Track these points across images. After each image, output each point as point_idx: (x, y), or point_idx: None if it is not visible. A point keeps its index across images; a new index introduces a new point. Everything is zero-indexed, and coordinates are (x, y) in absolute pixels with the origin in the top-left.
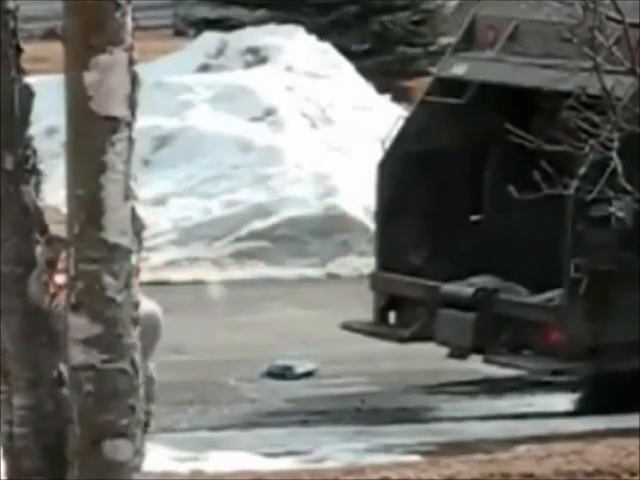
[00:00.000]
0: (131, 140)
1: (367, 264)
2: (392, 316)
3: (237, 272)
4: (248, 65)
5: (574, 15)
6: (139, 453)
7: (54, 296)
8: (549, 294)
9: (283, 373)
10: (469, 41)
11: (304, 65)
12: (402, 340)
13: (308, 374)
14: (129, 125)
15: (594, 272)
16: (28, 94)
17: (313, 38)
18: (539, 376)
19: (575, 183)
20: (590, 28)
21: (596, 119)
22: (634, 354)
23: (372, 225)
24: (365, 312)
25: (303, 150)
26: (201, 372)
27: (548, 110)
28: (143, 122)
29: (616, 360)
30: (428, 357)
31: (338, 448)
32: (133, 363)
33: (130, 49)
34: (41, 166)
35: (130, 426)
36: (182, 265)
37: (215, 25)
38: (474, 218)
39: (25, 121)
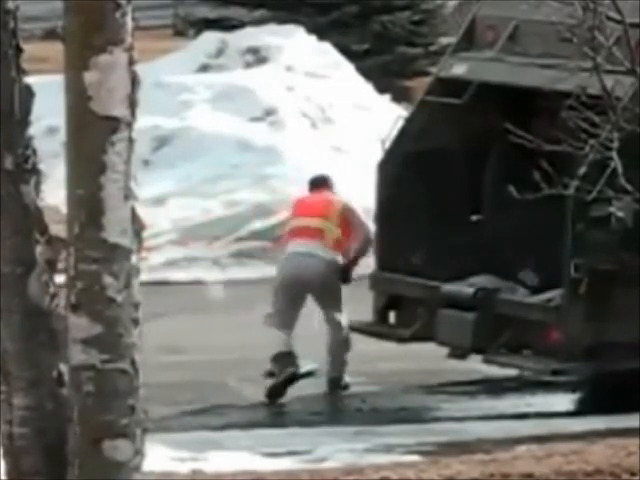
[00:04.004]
0: (131, 140)
1: (367, 264)
2: (392, 316)
3: (237, 272)
4: (248, 65)
5: (574, 15)
6: (139, 453)
7: (54, 296)
8: (549, 294)
9: None
10: (469, 41)
11: (304, 65)
12: (402, 340)
13: (308, 374)
14: (129, 125)
15: (594, 272)
16: (28, 94)
17: (313, 38)
18: (539, 376)
19: (575, 183)
20: (590, 28)
21: (596, 119)
22: (634, 354)
23: (372, 225)
24: (365, 312)
25: (303, 150)
26: (201, 372)
27: (548, 110)
28: (143, 122)
29: (616, 360)
30: (428, 357)
31: (338, 448)
32: (133, 363)
33: (130, 49)
34: (41, 166)
35: (130, 426)
36: (182, 265)
37: (215, 25)
38: (474, 218)
39: (25, 121)
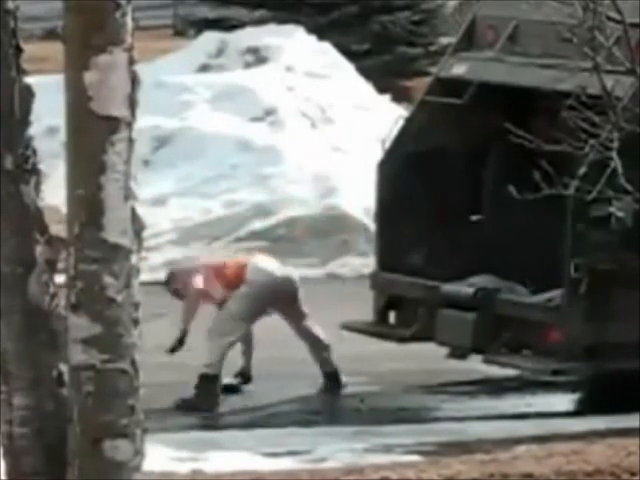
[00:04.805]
0: (131, 140)
1: (367, 264)
2: (392, 316)
3: None
4: (248, 65)
5: (574, 15)
6: (139, 453)
7: (54, 296)
8: (549, 294)
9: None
10: (469, 41)
11: (304, 65)
12: (402, 340)
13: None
14: (129, 125)
15: (594, 272)
16: (28, 94)
17: (313, 38)
18: (539, 376)
19: (575, 183)
20: (590, 28)
21: (596, 119)
22: (634, 354)
23: (372, 225)
24: (365, 312)
25: (303, 150)
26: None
27: (548, 110)
28: (143, 122)
29: (616, 360)
30: (428, 357)
31: (338, 448)
32: (133, 363)
33: (130, 49)
34: (41, 166)
35: (130, 426)
36: None
37: (215, 25)
38: (474, 218)
39: (25, 121)
